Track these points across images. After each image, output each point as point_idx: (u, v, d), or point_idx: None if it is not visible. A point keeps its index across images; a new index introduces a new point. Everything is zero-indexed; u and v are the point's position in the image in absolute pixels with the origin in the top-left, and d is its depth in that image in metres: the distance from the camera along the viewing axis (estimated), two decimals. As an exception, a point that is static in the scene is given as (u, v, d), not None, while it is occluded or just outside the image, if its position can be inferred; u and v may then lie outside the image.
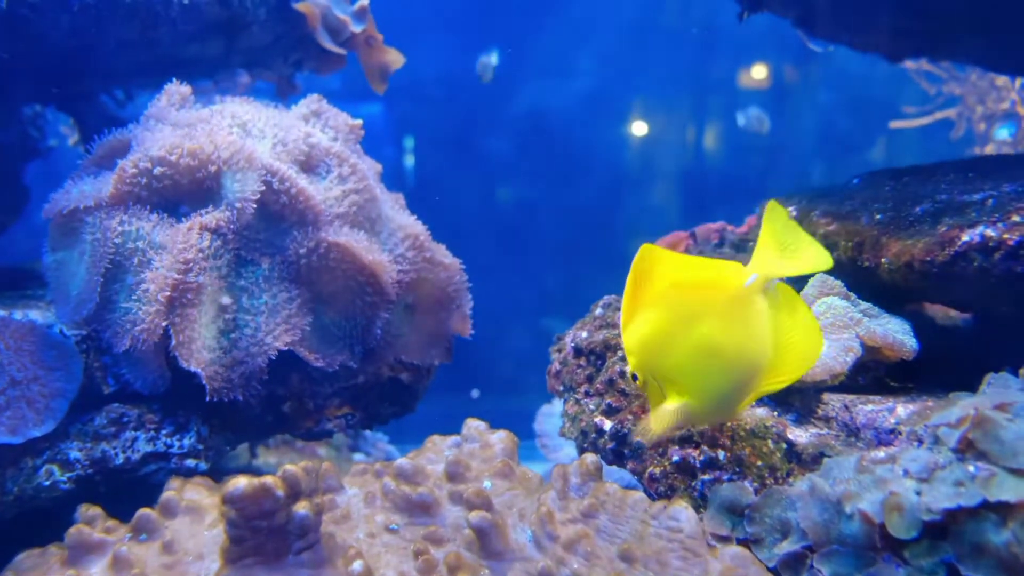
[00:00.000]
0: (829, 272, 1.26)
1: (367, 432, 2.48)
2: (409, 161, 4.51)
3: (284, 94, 2.08)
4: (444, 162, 4.54)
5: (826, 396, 1.14)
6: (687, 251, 1.93)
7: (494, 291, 2.00)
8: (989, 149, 3.36)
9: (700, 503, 1.10)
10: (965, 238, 1.08)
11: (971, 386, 1.04)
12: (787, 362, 0.94)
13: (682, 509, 0.99)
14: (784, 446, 1.09)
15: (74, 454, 1.23)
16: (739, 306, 0.93)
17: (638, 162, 4.64)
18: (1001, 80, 3.33)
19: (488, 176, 4.52)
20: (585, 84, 4.60)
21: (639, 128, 4.61)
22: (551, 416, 2.44)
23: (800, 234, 0.93)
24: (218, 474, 1.28)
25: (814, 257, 0.93)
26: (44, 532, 1.11)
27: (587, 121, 4.57)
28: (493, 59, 3.75)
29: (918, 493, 0.86)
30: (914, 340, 1.15)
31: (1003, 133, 3.33)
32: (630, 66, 4.61)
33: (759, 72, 4.48)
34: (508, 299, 3.70)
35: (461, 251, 1.57)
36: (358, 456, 2.41)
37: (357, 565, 0.89)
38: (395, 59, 2.03)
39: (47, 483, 1.21)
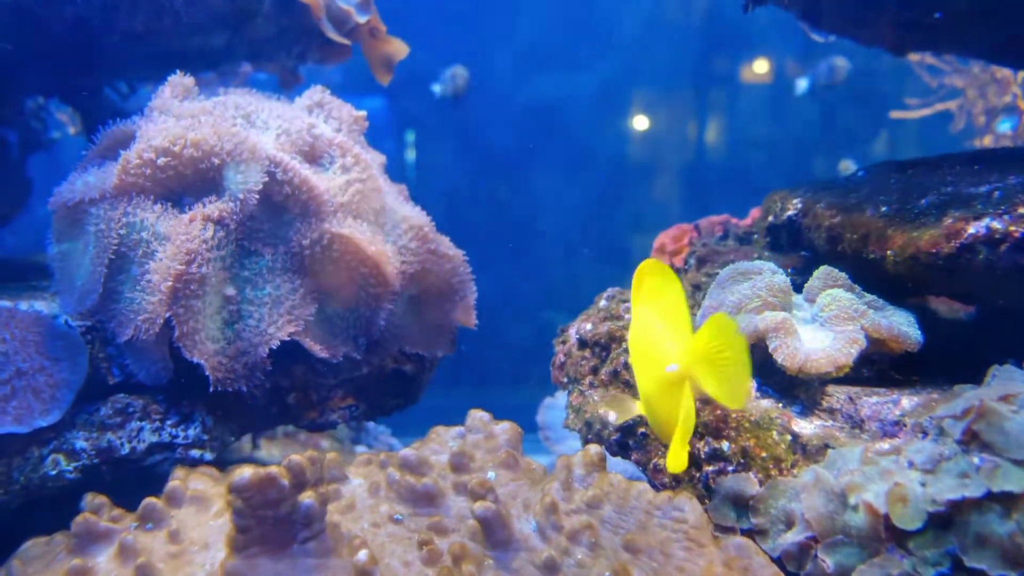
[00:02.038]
0: (834, 265, 1.26)
1: (370, 425, 2.48)
2: (411, 155, 4.51)
3: (288, 85, 2.08)
4: (446, 156, 4.54)
5: (831, 388, 1.14)
6: (691, 243, 1.93)
7: (497, 284, 2.00)
8: (987, 141, 3.36)
9: (705, 494, 1.10)
10: (971, 230, 1.08)
11: (976, 378, 1.04)
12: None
13: (687, 500, 0.99)
14: (789, 437, 1.09)
15: (80, 444, 1.23)
16: (663, 377, 0.99)
17: (641, 155, 4.64)
18: (1002, 73, 3.33)
19: (491, 169, 4.52)
20: (588, 78, 4.59)
21: (642, 122, 4.61)
22: (554, 408, 2.44)
23: (732, 359, 0.92)
24: (222, 465, 1.28)
25: (728, 391, 0.93)
26: (50, 521, 1.12)
27: (590, 115, 4.57)
28: (459, 80, 3.69)
29: (923, 484, 0.86)
30: (919, 332, 1.15)
31: (1004, 127, 3.34)
32: (633, 60, 4.60)
33: (761, 66, 4.47)
34: (511, 292, 3.70)
35: (464, 244, 1.57)
36: (360, 449, 2.41)
37: (362, 555, 0.89)
38: (399, 49, 2.02)
39: (53, 472, 1.21)
